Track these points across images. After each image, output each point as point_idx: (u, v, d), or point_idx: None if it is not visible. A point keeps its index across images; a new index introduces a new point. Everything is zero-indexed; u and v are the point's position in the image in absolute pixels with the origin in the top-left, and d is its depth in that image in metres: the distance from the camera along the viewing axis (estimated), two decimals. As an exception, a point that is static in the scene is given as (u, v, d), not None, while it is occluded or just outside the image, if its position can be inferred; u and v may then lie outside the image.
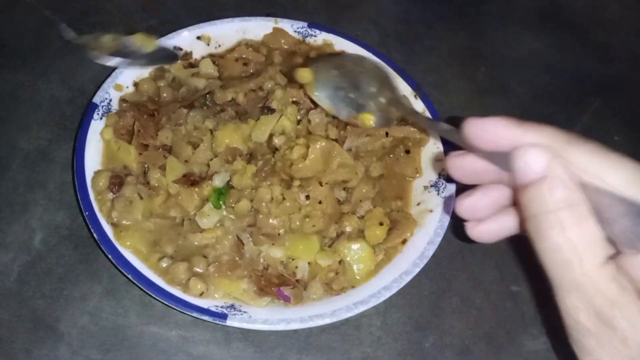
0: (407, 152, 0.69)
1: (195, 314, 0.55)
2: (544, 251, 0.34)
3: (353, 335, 0.60)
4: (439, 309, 0.63)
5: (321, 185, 0.61)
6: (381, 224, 0.62)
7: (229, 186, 0.61)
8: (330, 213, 0.62)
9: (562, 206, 0.33)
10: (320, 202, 0.61)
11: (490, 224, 0.43)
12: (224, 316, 0.54)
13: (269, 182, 0.60)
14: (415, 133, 0.69)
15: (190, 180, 0.61)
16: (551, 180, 0.34)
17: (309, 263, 0.60)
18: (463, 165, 0.42)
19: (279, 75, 0.71)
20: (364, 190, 0.65)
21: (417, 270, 0.59)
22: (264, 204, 0.60)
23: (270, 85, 0.70)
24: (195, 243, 0.60)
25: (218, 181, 0.61)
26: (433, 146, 0.70)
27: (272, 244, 0.59)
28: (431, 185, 0.67)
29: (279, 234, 0.60)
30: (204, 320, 0.55)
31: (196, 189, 0.61)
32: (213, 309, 0.55)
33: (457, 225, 0.63)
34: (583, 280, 0.33)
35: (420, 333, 0.61)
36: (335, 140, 0.66)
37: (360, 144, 0.68)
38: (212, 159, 0.62)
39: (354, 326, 0.60)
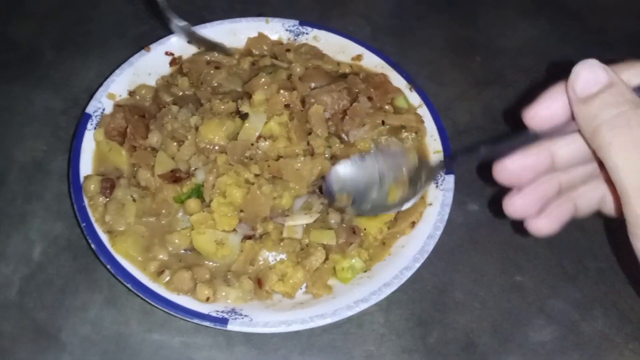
0: None
1: (195, 320, 0.54)
2: (615, 158, 0.34)
3: (356, 334, 0.59)
4: (441, 303, 0.62)
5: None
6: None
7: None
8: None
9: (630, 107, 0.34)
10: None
11: (550, 215, 0.43)
12: (224, 321, 0.54)
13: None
14: (412, 122, 0.69)
15: (175, 177, 0.61)
16: (619, 85, 0.35)
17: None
18: (513, 167, 0.42)
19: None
20: None
21: (418, 265, 0.58)
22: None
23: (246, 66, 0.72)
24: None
25: (200, 176, 0.61)
26: (430, 138, 0.69)
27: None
28: (429, 179, 0.66)
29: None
30: (205, 325, 0.55)
31: (178, 186, 0.61)
32: (214, 314, 0.55)
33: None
34: None
35: (424, 328, 0.60)
36: (338, 135, 0.66)
37: (363, 134, 0.67)
38: (193, 155, 0.62)
39: (356, 324, 0.60)
